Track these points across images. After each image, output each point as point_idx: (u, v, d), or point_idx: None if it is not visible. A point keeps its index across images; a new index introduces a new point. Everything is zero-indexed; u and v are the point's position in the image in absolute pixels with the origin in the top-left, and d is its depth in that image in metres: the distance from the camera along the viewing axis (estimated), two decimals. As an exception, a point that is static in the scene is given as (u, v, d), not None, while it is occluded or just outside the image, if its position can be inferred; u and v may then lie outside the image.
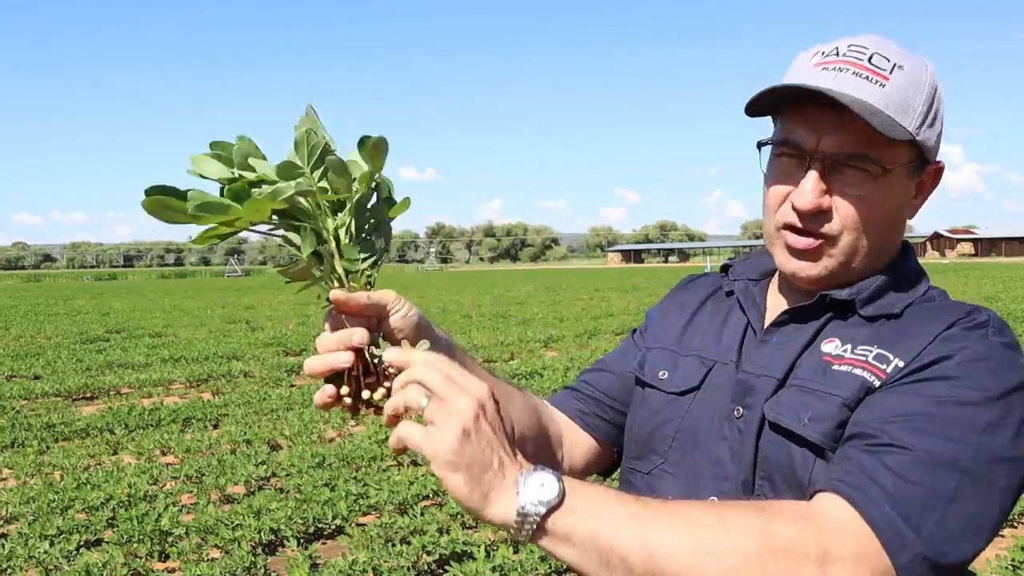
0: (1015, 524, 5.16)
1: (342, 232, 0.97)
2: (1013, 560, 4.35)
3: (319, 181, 0.95)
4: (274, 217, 0.97)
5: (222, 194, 0.92)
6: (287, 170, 0.94)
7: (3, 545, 4.67)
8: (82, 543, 4.82)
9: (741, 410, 1.13)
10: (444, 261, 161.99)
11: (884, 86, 1.07)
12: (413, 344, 1.01)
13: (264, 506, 5.27)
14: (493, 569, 4.20)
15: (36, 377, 11.34)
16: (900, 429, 0.96)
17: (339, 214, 0.97)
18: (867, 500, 0.91)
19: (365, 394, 0.99)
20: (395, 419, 0.92)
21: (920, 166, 1.13)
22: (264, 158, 0.96)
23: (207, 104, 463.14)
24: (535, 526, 0.86)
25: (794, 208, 1.11)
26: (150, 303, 30.00)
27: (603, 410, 1.35)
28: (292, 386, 10.31)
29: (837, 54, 1.10)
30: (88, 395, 10.13)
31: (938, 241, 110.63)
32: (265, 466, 6.26)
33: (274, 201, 0.92)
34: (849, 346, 1.09)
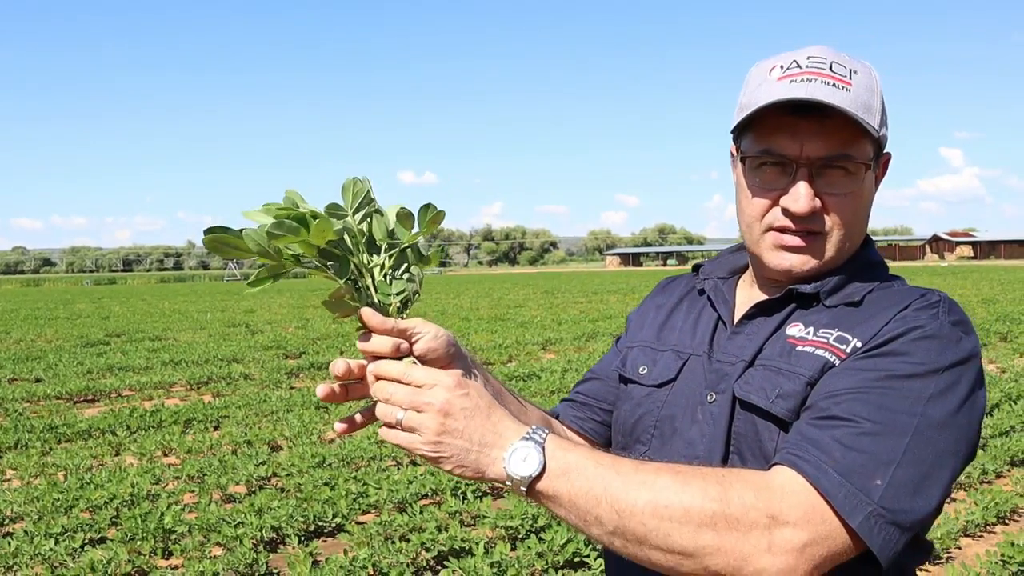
0: (1006, 521, 5.24)
1: (376, 270, 1.09)
2: (1003, 555, 4.43)
3: (359, 224, 1.07)
4: (314, 257, 1.08)
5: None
6: (334, 210, 1.06)
7: (9, 543, 4.74)
8: (86, 541, 4.90)
9: (714, 395, 1.22)
10: (443, 265, 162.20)
11: (850, 91, 1.16)
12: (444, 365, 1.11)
13: (265, 505, 5.34)
14: (491, 565, 4.28)
15: (38, 380, 11.42)
16: (849, 402, 1.05)
17: (375, 256, 1.09)
18: (816, 469, 0.99)
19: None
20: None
21: (877, 159, 1.23)
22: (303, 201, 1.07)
23: (208, 108, 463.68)
24: (524, 490, 1.01)
25: (789, 212, 1.19)
26: (150, 307, 30.07)
27: (595, 413, 1.46)
28: (292, 388, 10.39)
29: (799, 66, 1.18)
30: (90, 397, 10.20)
31: (937, 244, 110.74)
32: (266, 466, 6.34)
33: (332, 228, 1.03)
34: (812, 329, 1.18)
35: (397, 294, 1.09)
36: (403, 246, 1.10)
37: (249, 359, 13.13)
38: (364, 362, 1.10)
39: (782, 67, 1.20)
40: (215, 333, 18.13)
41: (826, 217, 1.19)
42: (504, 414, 1.04)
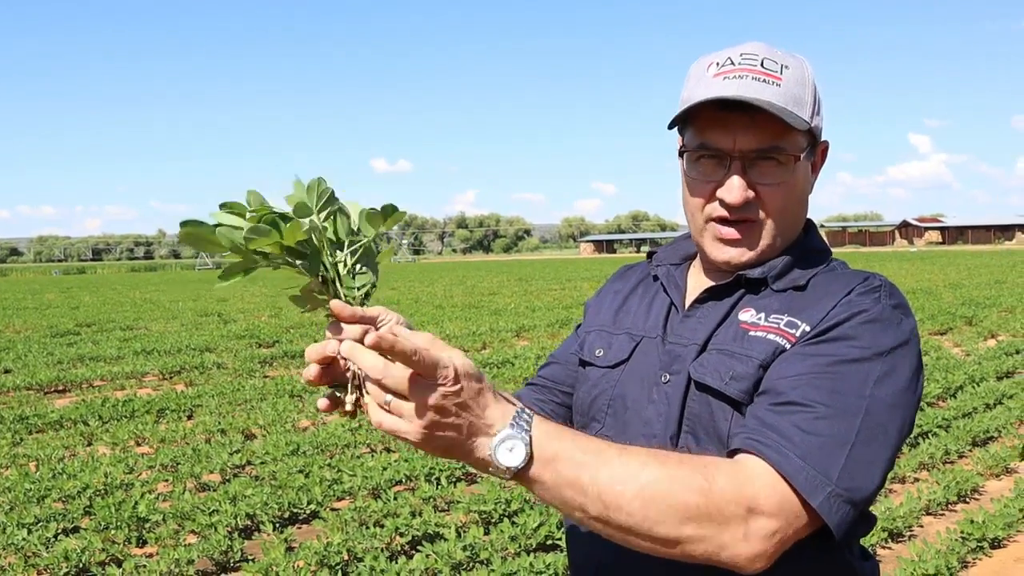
0: (967, 499, 5.38)
1: (340, 266, 1.13)
2: (963, 532, 4.55)
3: (324, 222, 1.12)
4: (284, 254, 1.13)
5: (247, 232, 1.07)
6: (302, 209, 1.09)
7: (-19, 533, 4.72)
8: (60, 531, 4.90)
9: (668, 376, 1.28)
10: (417, 253, 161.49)
11: (779, 86, 1.23)
12: None
13: (240, 492, 5.36)
14: (464, 548, 4.33)
15: (7, 371, 11.30)
16: (803, 387, 1.12)
17: (340, 252, 1.14)
18: (779, 455, 1.06)
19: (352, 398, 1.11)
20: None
21: (812, 148, 1.29)
22: (265, 203, 1.12)
23: (180, 96, 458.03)
24: (508, 477, 1.02)
25: (724, 203, 1.26)
26: (120, 296, 29.78)
27: (555, 395, 1.52)
28: (266, 377, 10.38)
29: (732, 64, 1.25)
30: (60, 388, 10.13)
31: (906, 229, 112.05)
32: (240, 454, 6.35)
33: (302, 230, 1.07)
34: (763, 314, 1.25)
35: (360, 287, 1.14)
36: (365, 243, 1.15)
37: (222, 348, 13.08)
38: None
39: (718, 64, 1.26)
40: (187, 322, 18.02)
41: (760, 206, 1.25)
42: (491, 397, 1.02)
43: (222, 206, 1.10)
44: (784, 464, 1.05)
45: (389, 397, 0.99)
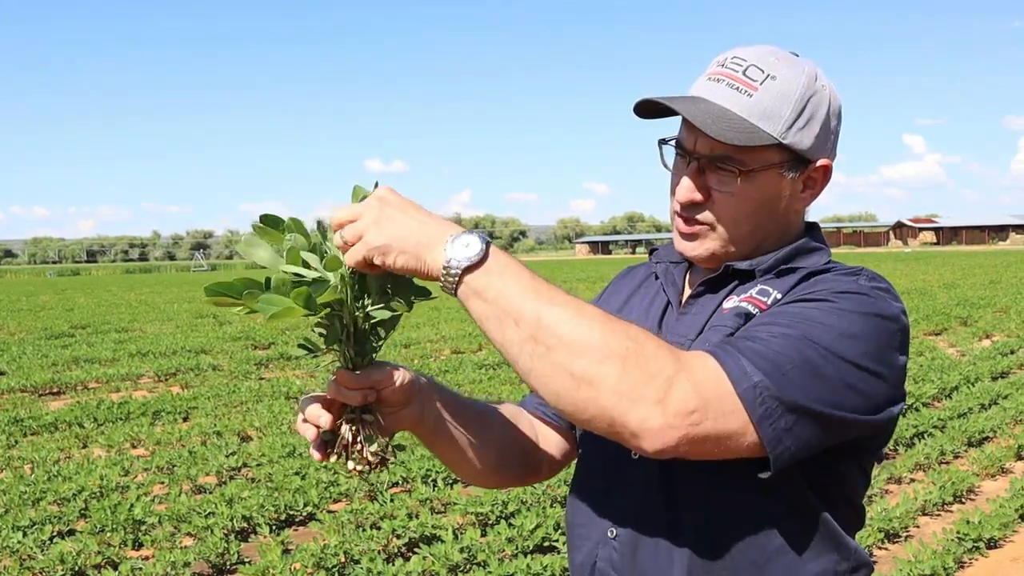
0: (963, 500, 5.39)
1: (360, 319, 1.16)
2: (959, 533, 4.56)
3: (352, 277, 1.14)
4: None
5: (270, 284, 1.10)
6: (333, 263, 1.10)
7: (-24, 537, 4.71)
8: (55, 533, 4.89)
9: None
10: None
11: (751, 96, 1.21)
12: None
13: (236, 495, 5.35)
14: (461, 550, 4.33)
15: (1, 373, 11.27)
16: (765, 328, 1.11)
17: (359, 308, 1.16)
18: (723, 352, 1.06)
19: (351, 462, 1.20)
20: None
21: (797, 165, 1.25)
22: (307, 235, 1.14)
23: (172, 97, 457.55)
24: (458, 279, 1.04)
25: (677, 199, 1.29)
26: (115, 298, 29.71)
27: None
28: (261, 379, 10.36)
29: (722, 66, 1.25)
30: (55, 390, 10.11)
31: (901, 230, 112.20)
32: (236, 456, 6.33)
33: (332, 295, 1.10)
34: (740, 295, 1.25)
35: (373, 347, 1.20)
36: (392, 303, 1.17)
37: (218, 350, 13.06)
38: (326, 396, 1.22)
39: (717, 63, 1.27)
40: (183, 324, 18.01)
41: (711, 210, 1.26)
42: (443, 217, 1.09)
43: (262, 218, 1.12)
44: (722, 355, 1.04)
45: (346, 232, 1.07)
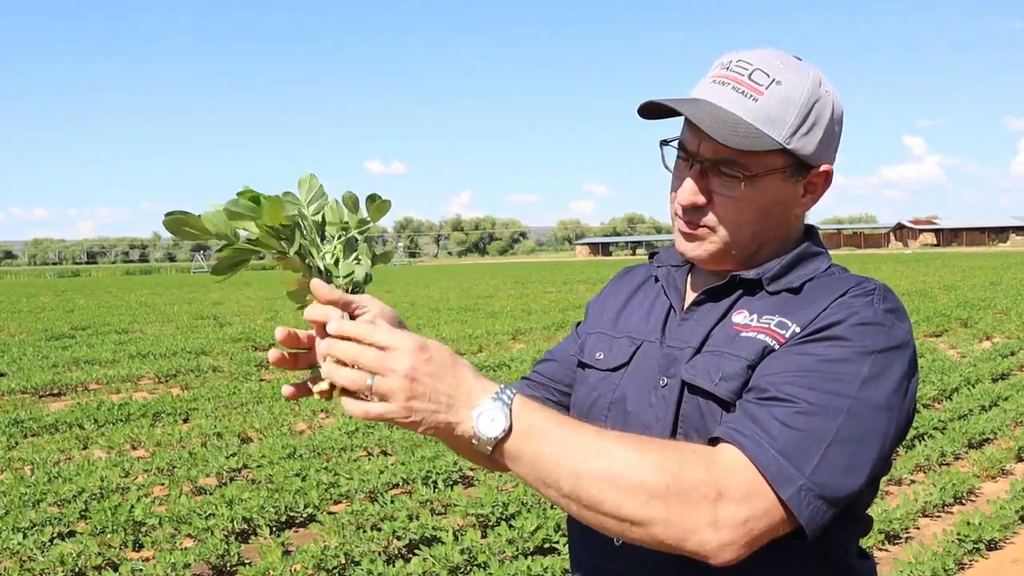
0: (963, 501, 5.39)
1: (328, 256, 1.14)
2: (959, 534, 4.56)
3: (313, 215, 1.14)
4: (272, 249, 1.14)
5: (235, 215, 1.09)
6: (288, 197, 1.11)
7: (-24, 538, 4.71)
8: (55, 535, 4.88)
9: (666, 380, 1.28)
10: (412, 255, 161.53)
11: (756, 100, 1.20)
12: None
13: (236, 496, 5.35)
14: (462, 552, 4.33)
15: (1, 374, 11.27)
16: (788, 384, 1.11)
17: (327, 244, 1.15)
18: (756, 446, 1.06)
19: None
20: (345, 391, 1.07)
21: (800, 170, 1.25)
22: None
23: (171, 98, 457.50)
24: (489, 452, 1.05)
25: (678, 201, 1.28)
26: (116, 299, 29.72)
27: (550, 393, 1.51)
28: (262, 380, 10.36)
29: (727, 69, 1.25)
30: (55, 391, 10.11)
31: (901, 232, 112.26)
32: (236, 458, 6.33)
33: (284, 210, 1.08)
34: (755, 316, 1.24)
35: (345, 276, 1.14)
36: (352, 233, 1.16)
37: (218, 351, 13.06)
38: (311, 332, 1.14)
39: (721, 65, 1.26)
40: (183, 325, 17.99)
41: (713, 213, 1.26)
42: (468, 371, 1.06)
43: (239, 194, 1.10)
44: (758, 454, 1.05)
45: (370, 381, 1.02)
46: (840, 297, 1.20)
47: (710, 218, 1.26)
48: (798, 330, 1.18)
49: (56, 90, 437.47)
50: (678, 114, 1.23)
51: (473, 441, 1.04)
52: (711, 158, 1.23)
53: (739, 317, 1.25)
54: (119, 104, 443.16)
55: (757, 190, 1.23)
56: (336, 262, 1.14)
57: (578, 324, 1.58)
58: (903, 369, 1.15)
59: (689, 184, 1.25)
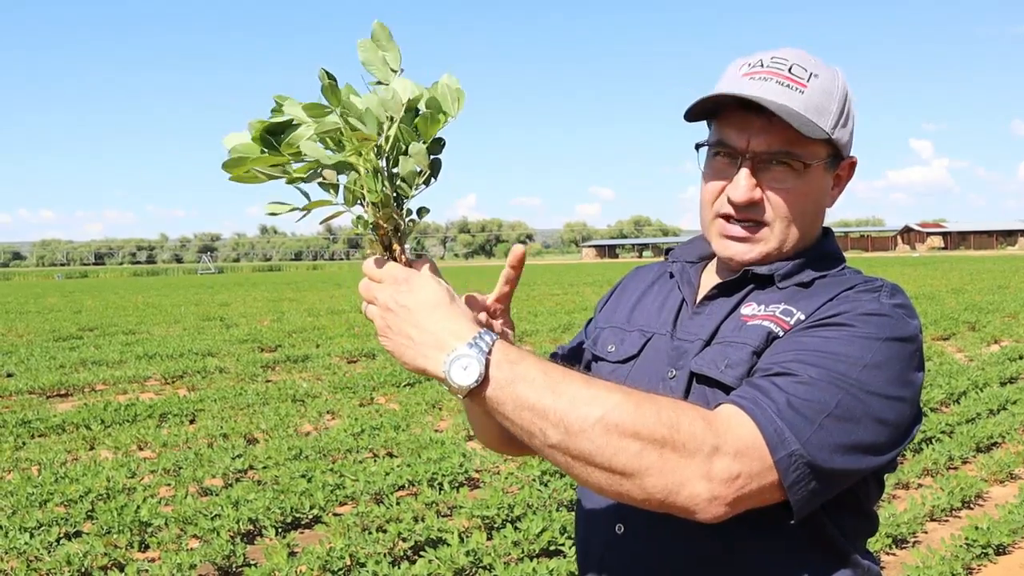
0: (971, 505, 5.36)
1: (369, 167, 1.05)
2: (967, 539, 4.53)
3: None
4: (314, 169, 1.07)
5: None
6: (316, 109, 1.03)
7: (-17, 538, 4.72)
8: (62, 535, 4.89)
9: (674, 372, 1.28)
10: (419, 257, 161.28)
11: (803, 92, 1.22)
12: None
13: (242, 497, 5.35)
14: (467, 554, 4.32)
15: (9, 375, 11.31)
16: (793, 361, 1.12)
17: (370, 155, 1.05)
18: (757, 408, 1.06)
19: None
20: None
21: (835, 161, 1.29)
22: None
23: (176, 99, 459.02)
24: (463, 398, 1.04)
25: (730, 200, 1.26)
26: (123, 301, 29.80)
27: None
28: (268, 381, 10.38)
29: (762, 65, 1.25)
30: (63, 392, 10.13)
31: (909, 235, 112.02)
32: (242, 459, 6.34)
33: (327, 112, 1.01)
34: (762, 307, 1.25)
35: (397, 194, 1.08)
36: (389, 142, 1.04)
37: (224, 352, 13.08)
38: None
39: (749, 64, 1.27)
40: (189, 327, 18.03)
41: (768, 208, 1.25)
42: (448, 314, 1.05)
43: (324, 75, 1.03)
44: (757, 414, 1.05)
45: (363, 306, 1.11)
46: (847, 291, 1.21)
47: (765, 215, 1.26)
48: (802, 317, 1.19)
49: (61, 92, 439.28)
50: (714, 115, 1.25)
51: (448, 387, 1.02)
52: (765, 151, 1.23)
53: (747, 309, 1.26)
54: (124, 105, 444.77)
55: (808, 181, 1.25)
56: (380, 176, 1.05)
57: (588, 323, 1.58)
58: (907, 361, 1.15)
59: (745, 179, 1.24)
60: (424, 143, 1.06)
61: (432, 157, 1.08)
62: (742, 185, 1.24)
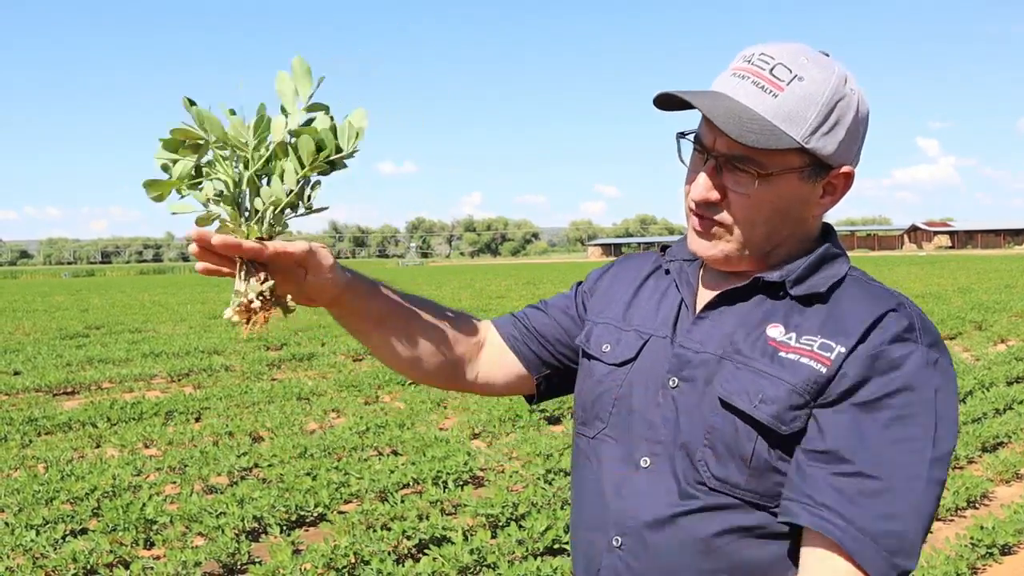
0: (976, 505, 5.35)
1: (243, 183, 1.20)
2: (972, 538, 4.53)
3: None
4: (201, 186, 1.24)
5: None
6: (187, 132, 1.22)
7: (-11, 535, 4.74)
8: (68, 532, 4.91)
9: (676, 381, 1.25)
10: (425, 255, 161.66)
11: (776, 96, 1.16)
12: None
13: (247, 495, 5.37)
14: (471, 552, 4.33)
15: (16, 373, 11.34)
16: (864, 459, 1.11)
17: (241, 169, 1.20)
18: (873, 553, 1.09)
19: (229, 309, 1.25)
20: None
21: (818, 170, 1.21)
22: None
23: (175, 94, 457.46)
24: None
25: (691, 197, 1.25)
26: (129, 299, 29.88)
27: (532, 341, 1.50)
28: (273, 380, 10.39)
29: (748, 62, 1.20)
30: (69, 390, 10.17)
31: (915, 234, 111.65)
32: (247, 457, 6.35)
33: (180, 134, 1.18)
34: (794, 334, 1.20)
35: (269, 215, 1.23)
36: (260, 159, 1.21)
37: (230, 351, 13.11)
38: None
39: (744, 58, 1.22)
40: (196, 325, 18.06)
41: (729, 211, 1.22)
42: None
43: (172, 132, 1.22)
44: (856, 551, 1.09)
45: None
46: (879, 320, 1.16)
47: (724, 216, 1.22)
48: (843, 351, 1.15)
49: (67, 89, 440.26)
50: (692, 106, 1.19)
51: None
52: (725, 153, 1.19)
53: (775, 332, 1.21)
54: (128, 102, 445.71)
55: (772, 189, 1.19)
56: (252, 189, 1.21)
57: (578, 284, 1.56)
58: (952, 418, 1.15)
59: (703, 179, 1.21)
60: (300, 174, 1.20)
61: (295, 188, 1.21)
62: (700, 184, 1.21)
